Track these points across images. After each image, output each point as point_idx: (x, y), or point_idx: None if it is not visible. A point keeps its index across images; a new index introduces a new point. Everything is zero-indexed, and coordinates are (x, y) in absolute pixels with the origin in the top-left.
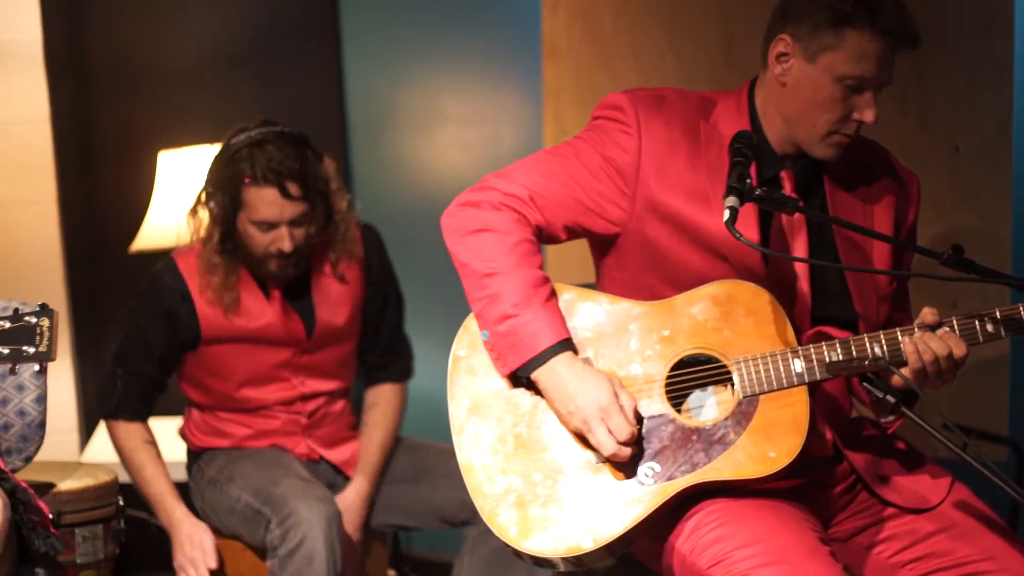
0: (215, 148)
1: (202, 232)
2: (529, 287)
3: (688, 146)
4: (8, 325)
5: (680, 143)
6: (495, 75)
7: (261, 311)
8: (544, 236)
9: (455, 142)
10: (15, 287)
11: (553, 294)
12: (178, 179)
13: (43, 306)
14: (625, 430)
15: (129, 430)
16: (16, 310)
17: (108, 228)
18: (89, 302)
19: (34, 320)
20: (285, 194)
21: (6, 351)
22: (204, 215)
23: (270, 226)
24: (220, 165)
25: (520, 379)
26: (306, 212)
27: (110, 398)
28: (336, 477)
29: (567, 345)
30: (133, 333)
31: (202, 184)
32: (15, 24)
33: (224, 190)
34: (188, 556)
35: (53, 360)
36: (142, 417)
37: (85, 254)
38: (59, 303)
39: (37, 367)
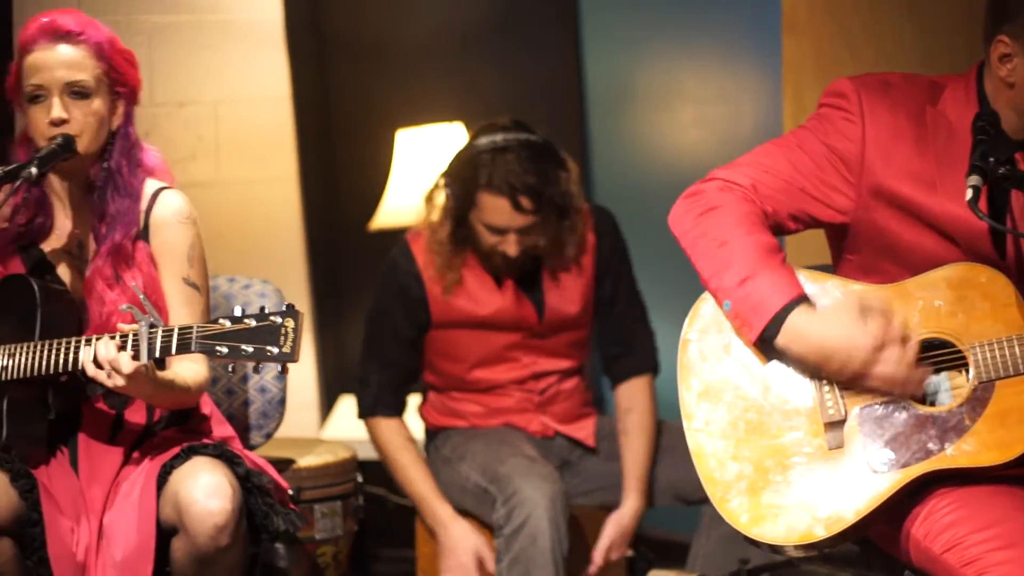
0: (453, 126)
1: (434, 216)
2: (763, 251)
3: (914, 132)
4: (253, 324)
5: (906, 129)
6: (734, 52)
7: (491, 298)
8: (771, 225)
9: (694, 120)
10: (257, 264)
11: (786, 262)
12: (416, 157)
13: (289, 306)
14: (905, 359)
15: (390, 427)
16: (262, 308)
17: (347, 205)
18: (329, 279)
19: (279, 320)
20: (516, 206)
21: (250, 349)
22: (440, 199)
23: (498, 231)
24: (462, 161)
25: (750, 361)
26: (536, 223)
27: (366, 396)
28: (572, 452)
29: (804, 299)
30: (379, 322)
31: (444, 169)
32: (257, 3)
33: (461, 185)
34: (461, 562)
35: (296, 362)
36: (399, 412)
37: (325, 231)
38: (299, 280)
39: (279, 367)
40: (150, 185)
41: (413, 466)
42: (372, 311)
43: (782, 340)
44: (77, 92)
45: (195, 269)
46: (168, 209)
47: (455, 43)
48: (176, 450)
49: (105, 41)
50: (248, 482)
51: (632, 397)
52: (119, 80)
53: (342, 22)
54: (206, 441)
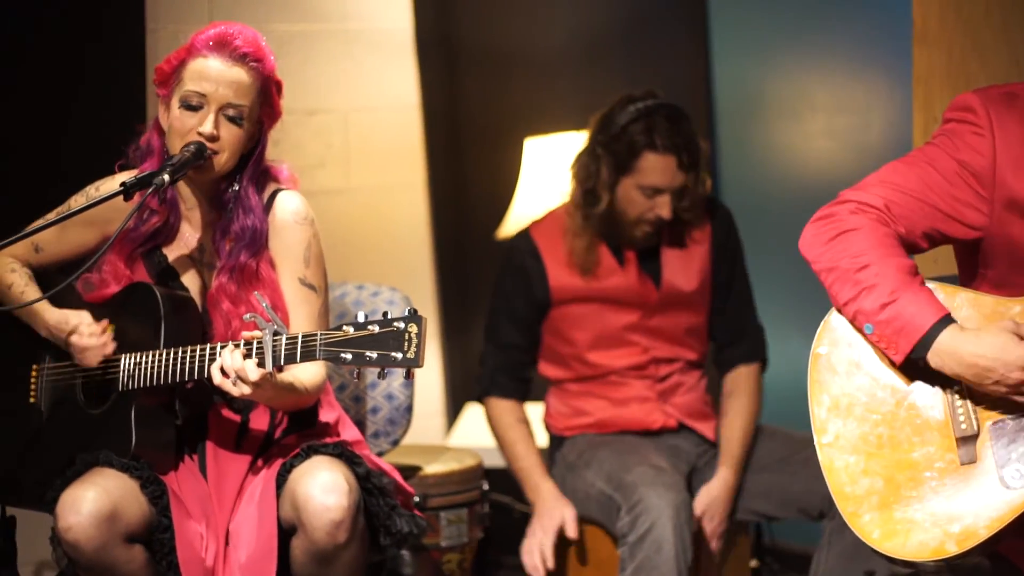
0: (581, 135)
1: (574, 201)
2: (903, 273)
3: None
4: (377, 330)
5: None
6: (864, 62)
7: (611, 271)
8: (904, 245)
9: (822, 130)
10: (385, 271)
11: (924, 282)
12: (544, 166)
13: (412, 311)
14: None
15: (502, 407)
16: (385, 314)
17: (475, 213)
18: (456, 287)
19: (403, 326)
20: (680, 164)
21: (374, 356)
22: (584, 179)
23: (656, 192)
24: (612, 130)
25: (881, 375)
26: (687, 183)
27: (482, 378)
28: (700, 457)
29: (950, 319)
30: (497, 302)
31: (586, 147)
32: (387, 13)
33: (615, 153)
34: (543, 523)
35: (420, 367)
36: (516, 395)
37: (452, 239)
38: (426, 287)
39: (405, 373)
40: (267, 189)
41: (522, 443)
42: (492, 298)
43: (934, 359)
44: (232, 116)
45: (311, 270)
46: (285, 210)
47: (584, 52)
48: (296, 450)
49: (272, 71)
50: (368, 483)
51: (737, 382)
52: (267, 110)
53: (471, 31)
54: (327, 441)
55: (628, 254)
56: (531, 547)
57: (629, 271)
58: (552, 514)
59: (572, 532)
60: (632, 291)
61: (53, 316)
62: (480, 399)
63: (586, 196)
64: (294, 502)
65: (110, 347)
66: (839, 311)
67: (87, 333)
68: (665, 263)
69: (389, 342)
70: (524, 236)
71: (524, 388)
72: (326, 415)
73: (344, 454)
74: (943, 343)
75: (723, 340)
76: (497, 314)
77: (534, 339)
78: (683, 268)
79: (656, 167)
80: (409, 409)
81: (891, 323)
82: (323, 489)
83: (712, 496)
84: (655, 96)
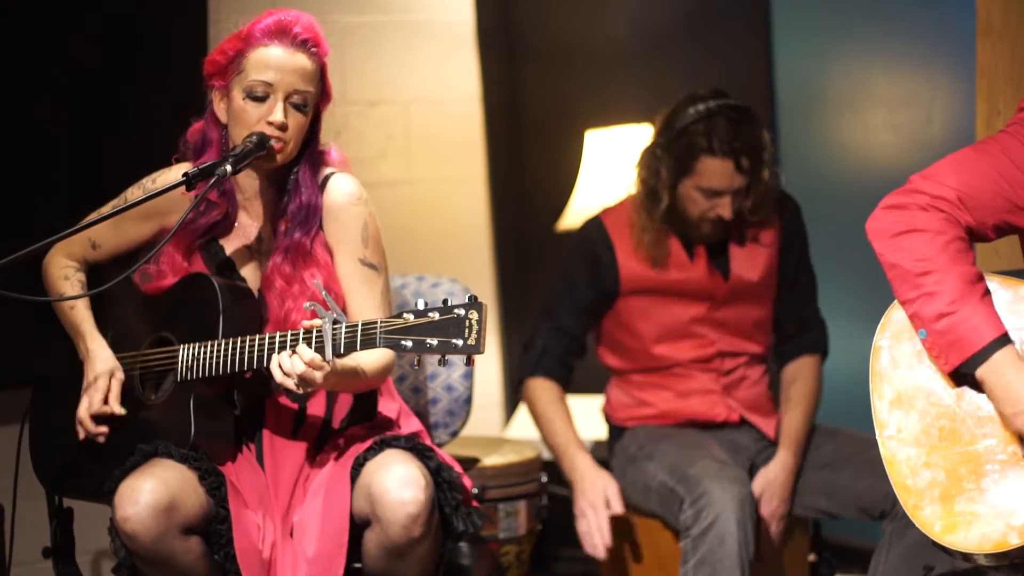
0: (642, 128)
1: (641, 197)
2: (965, 284)
3: None
4: (437, 317)
5: None
6: (926, 56)
7: (680, 264)
8: (974, 237)
9: (884, 123)
10: (445, 263)
11: (987, 292)
12: (605, 158)
13: (472, 298)
14: None
15: (543, 386)
16: (445, 301)
17: (535, 206)
18: (516, 279)
19: (463, 312)
20: (739, 167)
21: (435, 343)
22: (647, 178)
23: (715, 193)
24: (673, 131)
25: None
26: (749, 183)
27: (528, 358)
28: (760, 453)
29: (1007, 339)
30: (561, 286)
31: (648, 147)
32: (449, 4)
33: (674, 155)
34: (589, 500)
35: (481, 353)
36: (559, 378)
37: (513, 231)
38: (486, 279)
39: (465, 360)
40: (320, 171)
41: (559, 420)
42: (554, 281)
43: (983, 374)
44: (297, 104)
45: (370, 249)
46: (339, 192)
47: (645, 45)
48: (369, 443)
49: (326, 55)
50: (439, 476)
51: (799, 371)
52: (323, 95)
53: (532, 23)
54: (398, 434)
55: (697, 248)
56: (588, 529)
57: (698, 264)
58: (595, 488)
59: (617, 507)
60: (700, 284)
61: (91, 360)
62: (522, 379)
63: (648, 194)
64: (370, 496)
65: (100, 437)
66: (901, 304)
67: (96, 407)
68: (733, 256)
69: (450, 329)
70: (597, 224)
71: (567, 376)
72: (387, 406)
73: (415, 447)
74: (996, 361)
75: (787, 331)
76: (559, 297)
77: (589, 325)
78: (751, 261)
79: (714, 170)
80: (468, 400)
81: (945, 334)
82: (399, 483)
83: (770, 478)
84: (721, 95)
